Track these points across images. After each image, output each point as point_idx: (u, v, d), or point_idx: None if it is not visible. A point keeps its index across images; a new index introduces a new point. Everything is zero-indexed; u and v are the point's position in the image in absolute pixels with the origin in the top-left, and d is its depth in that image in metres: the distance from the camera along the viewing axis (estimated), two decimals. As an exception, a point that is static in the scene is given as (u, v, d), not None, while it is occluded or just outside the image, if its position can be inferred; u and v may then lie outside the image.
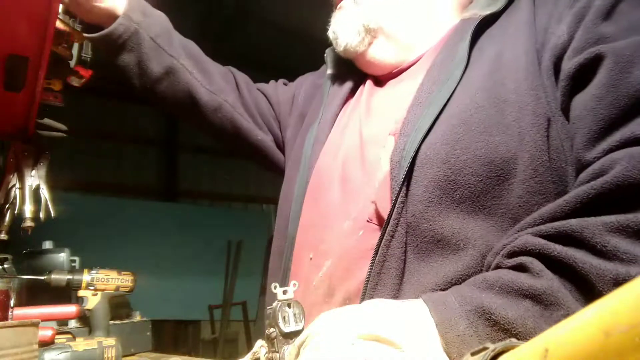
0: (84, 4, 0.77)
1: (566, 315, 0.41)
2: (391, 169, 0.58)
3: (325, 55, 0.87)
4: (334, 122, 0.78)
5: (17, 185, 0.91)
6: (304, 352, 0.46)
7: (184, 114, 0.94)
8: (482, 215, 0.52)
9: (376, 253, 0.55)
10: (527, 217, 0.49)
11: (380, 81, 0.77)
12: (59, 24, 0.75)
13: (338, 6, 0.76)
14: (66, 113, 0.93)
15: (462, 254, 0.52)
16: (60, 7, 0.74)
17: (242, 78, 0.98)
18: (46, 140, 0.97)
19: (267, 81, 1.04)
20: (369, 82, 0.78)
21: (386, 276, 0.55)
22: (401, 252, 0.54)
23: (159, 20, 0.87)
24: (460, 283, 0.51)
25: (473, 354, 0.33)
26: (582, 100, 0.51)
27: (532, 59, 0.55)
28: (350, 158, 0.68)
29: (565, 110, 0.53)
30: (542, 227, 0.46)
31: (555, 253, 0.43)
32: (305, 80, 0.98)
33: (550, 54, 0.54)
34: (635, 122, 0.46)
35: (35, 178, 0.93)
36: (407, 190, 0.55)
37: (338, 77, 0.84)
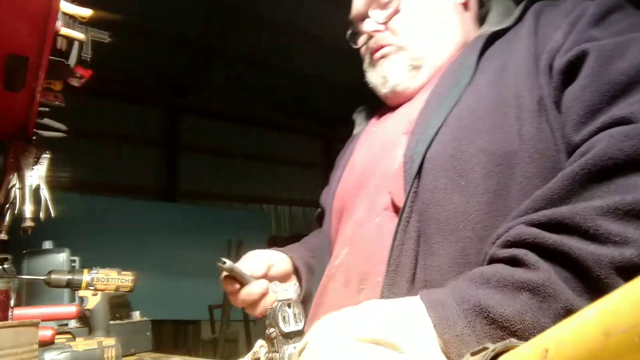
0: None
1: (564, 308, 0.42)
2: (404, 163, 0.63)
3: (353, 117, 0.97)
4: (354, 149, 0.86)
5: (17, 185, 0.91)
6: (304, 356, 0.46)
7: None
8: (485, 199, 0.56)
9: (395, 237, 0.59)
10: (521, 205, 0.51)
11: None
12: (59, 25, 0.75)
13: (379, 55, 0.80)
14: (66, 113, 0.93)
15: (461, 235, 0.56)
16: (61, 7, 0.74)
17: None
18: (46, 140, 0.97)
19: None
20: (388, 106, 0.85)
21: (405, 259, 0.58)
22: (416, 236, 0.59)
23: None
24: (459, 265, 0.55)
25: (473, 354, 0.33)
26: (570, 91, 0.56)
27: (531, 63, 0.61)
28: (370, 160, 0.76)
29: (557, 103, 0.58)
30: (534, 215, 0.47)
31: (551, 241, 0.44)
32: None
33: (546, 57, 0.60)
34: (617, 106, 0.50)
35: (35, 178, 0.93)
36: (419, 181, 0.61)
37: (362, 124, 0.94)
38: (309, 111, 7.64)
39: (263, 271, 0.77)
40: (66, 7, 0.78)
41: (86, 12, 0.81)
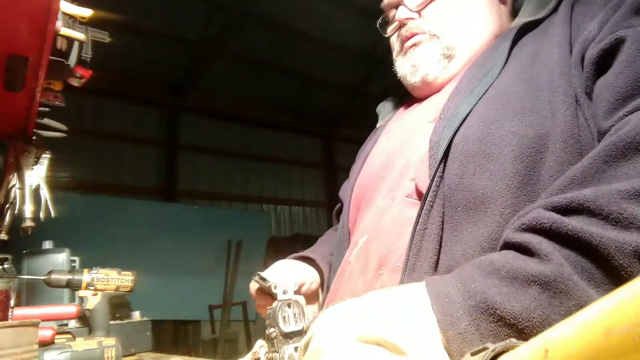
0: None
1: (577, 305, 0.39)
2: (430, 148, 0.62)
3: (377, 110, 0.97)
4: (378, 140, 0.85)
5: (17, 185, 0.91)
6: (306, 353, 0.46)
7: None
8: (515, 182, 0.54)
9: (417, 222, 0.58)
10: (549, 188, 0.49)
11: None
12: (59, 25, 0.75)
13: (410, 43, 0.79)
14: (66, 113, 0.93)
15: (490, 220, 0.54)
16: (61, 7, 0.74)
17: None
18: (46, 140, 0.97)
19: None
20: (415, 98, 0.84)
21: (427, 243, 0.57)
22: (439, 222, 0.57)
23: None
24: (486, 250, 0.53)
25: (473, 354, 0.33)
26: (603, 79, 0.54)
27: (565, 52, 0.60)
28: (394, 149, 0.75)
29: (589, 94, 0.56)
30: (555, 197, 0.45)
31: (570, 227, 0.41)
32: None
33: (579, 47, 0.58)
34: None
35: (35, 178, 0.93)
36: (444, 166, 0.59)
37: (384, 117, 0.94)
38: (309, 111, 7.64)
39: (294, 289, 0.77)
40: (66, 7, 0.78)
41: (86, 12, 0.81)
